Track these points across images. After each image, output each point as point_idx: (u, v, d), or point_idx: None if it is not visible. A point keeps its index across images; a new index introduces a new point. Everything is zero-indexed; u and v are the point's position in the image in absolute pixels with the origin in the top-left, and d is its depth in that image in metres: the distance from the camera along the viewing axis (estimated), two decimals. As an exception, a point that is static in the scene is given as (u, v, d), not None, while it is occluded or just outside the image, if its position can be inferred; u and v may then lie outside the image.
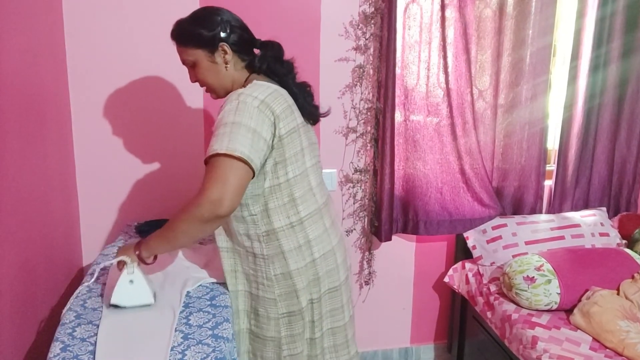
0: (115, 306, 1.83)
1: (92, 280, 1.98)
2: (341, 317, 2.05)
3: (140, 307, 1.84)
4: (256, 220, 1.84)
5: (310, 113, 1.97)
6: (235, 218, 1.87)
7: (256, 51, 1.94)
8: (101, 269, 2.11)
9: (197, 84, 1.95)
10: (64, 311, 1.83)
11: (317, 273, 1.92)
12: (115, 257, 1.84)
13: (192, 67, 1.88)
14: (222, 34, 1.84)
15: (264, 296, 1.89)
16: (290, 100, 1.86)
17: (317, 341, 1.98)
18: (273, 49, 1.93)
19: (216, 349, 1.65)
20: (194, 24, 1.85)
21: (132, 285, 1.82)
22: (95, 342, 1.65)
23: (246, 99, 1.71)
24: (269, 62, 1.90)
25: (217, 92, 1.93)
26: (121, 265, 1.82)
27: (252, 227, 1.86)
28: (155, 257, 1.85)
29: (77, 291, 1.95)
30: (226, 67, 1.87)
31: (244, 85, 1.84)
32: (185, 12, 2.61)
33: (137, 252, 1.80)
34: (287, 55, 1.97)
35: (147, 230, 2.57)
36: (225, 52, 1.85)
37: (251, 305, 1.95)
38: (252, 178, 1.72)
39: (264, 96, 1.74)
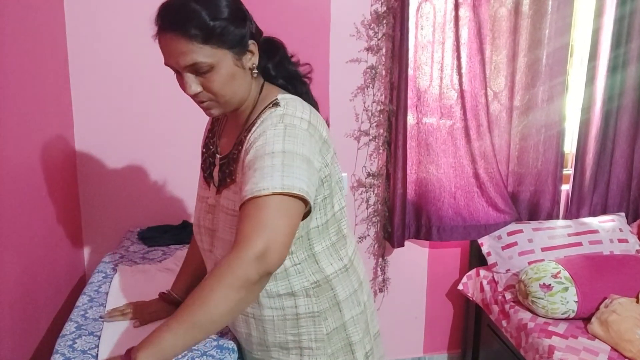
0: None
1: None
2: None
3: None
4: (301, 270, 1.51)
5: None
6: (284, 271, 1.51)
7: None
8: None
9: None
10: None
11: (367, 319, 1.66)
12: None
13: (202, 73, 1.38)
14: (251, 30, 1.45)
15: None
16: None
17: None
18: (279, 49, 1.58)
19: (221, 360, 1.66)
20: (217, 12, 1.36)
21: None
22: (97, 354, 1.64)
23: (293, 121, 1.39)
24: (286, 70, 1.58)
25: (229, 105, 1.47)
26: None
27: (296, 280, 1.51)
28: None
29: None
30: (252, 73, 1.47)
31: (258, 99, 1.52)
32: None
33: None
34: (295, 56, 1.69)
35: (150, 237, 2.60)
36: (253, 54, 1.46)
37: None
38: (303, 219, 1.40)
39: (308, 116, 1.44)
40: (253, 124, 1.45)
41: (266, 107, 1.47)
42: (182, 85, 1.42)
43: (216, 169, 1.57)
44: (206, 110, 1.47)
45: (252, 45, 1.44)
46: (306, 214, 1.41)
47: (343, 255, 1.59)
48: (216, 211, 1.53)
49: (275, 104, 1.46)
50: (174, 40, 1.35)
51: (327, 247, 1.55)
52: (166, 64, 1.42)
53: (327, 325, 1.55)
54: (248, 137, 1.43)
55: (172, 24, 1.35)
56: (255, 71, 1.47)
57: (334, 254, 1.56)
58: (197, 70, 1.37)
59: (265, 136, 1.35)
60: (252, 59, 1.45)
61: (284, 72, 1.57)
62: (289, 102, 1.46)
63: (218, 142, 1.63)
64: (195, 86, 1.39)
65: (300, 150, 1.33)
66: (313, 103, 1.59)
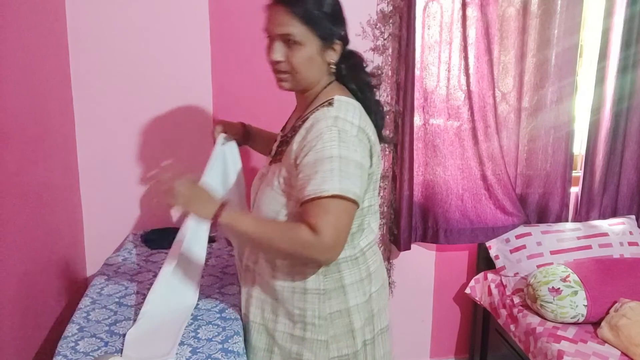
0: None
1: None
2: None
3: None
4: None
5: (380, 137, 1.82)
6: None
7: None
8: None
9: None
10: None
11: (372, 310, 1.83)
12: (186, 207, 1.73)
13: (289, 45, 1.66)
14: (342, 33, 1.73)
15: (313, 338, 1.75)
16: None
17: None
18: (355, 59, 1.82)
19: (226, 363, 1.68)
20: (321, 5, 1.66)
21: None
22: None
23: (345, 126, 1.63)
24: (356, 75, 1.80)
25: (298, 84, 1.74)
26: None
27: None
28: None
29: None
30: (329, 67, 1.74)
31: (321, 92, 1.76)
32: (191, 10, 2.66)
33: (217, 212, 1.65)
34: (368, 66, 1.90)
35: (153, 240, 2.62)
36: (335, 52, 1.73)
37: (291, 350, 1.78)
38: None
39: (358, 120, 1.67)
40: (307, 117, 1.71)
41: (322, 103, 1.71)
42: (269, 52, 1.70)
43: (275, 144, 1.88)
44: (279, 81, 1.75)
45: (337, 45, 1.72)
46: None
47: (355, 245, 1.78)
48: (263, 180, 1.84)
49: (330, 103, 1.69)
50: (280, 12, 1.65)
51: None
52: (266, 29, 1.70)
53: (330, 305, 1.75)
54: (300, 130, 1.70)
55: (288, 1, 1.65)
56: (333, 67, 1.74)
57: (348, 242, 1.71)
58: (287, 41, 1.66)
59: (323, 139, 1.60)
60: (332, 56, 1.72)
61: (356, 78, 1.80)
62: (342, 104, 1.69)
63: (287, 122, 1.94)
64: (279, 55, 1.68)
65: (353, 156, 1.60)
66: (378, 110, 1.83)
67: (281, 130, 1.94)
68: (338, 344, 1.77)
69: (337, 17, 1.71)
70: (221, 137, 2.06)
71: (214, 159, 2.03)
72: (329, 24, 1.67)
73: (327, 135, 1.60)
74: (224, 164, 2.07)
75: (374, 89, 1.84)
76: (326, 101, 1.70)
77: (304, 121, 1.71)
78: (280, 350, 1.80)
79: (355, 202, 1.59)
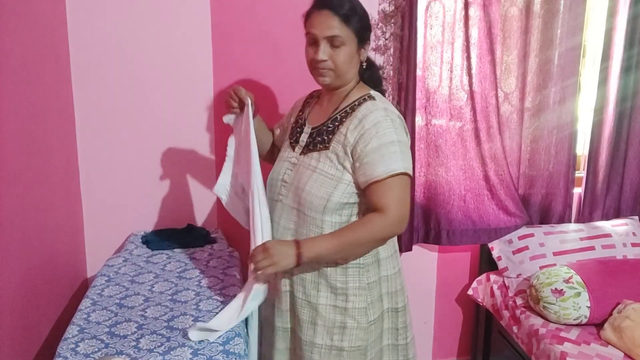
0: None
1: None
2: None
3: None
4: None
5: None
6: (339, 224, 1.95)
7: None
8: None
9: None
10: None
11: (402, 282, 2.11)
12: (264, 259, 1.82)
13: (334, 46, 1.88)
14: (371, 35, 2.00)
15: (355, 307, 1.97)
16: None
17: (401, 347, 2.12)
18: (370, 60, 2.06)
19: (228, 365, 1.69)
20: (359, 8, 1.93)
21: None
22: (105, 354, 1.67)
23: (393, 116, 1.92)
24: (375, 75, 2.07)
25: (340, 79, 1.95)
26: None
27: None
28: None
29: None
30: (362, 64, 2.00)
31: (353, 89, 2.00)
32: (191, 10, 2.67)
33: (297, 252, 1.83)
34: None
35: (154, 241, 2.63)
36: (365, 52, 1.98)
37: (335, 319, 1.98)
38: None
39: (398, 112, 1.97)
40: (352, 109, 1.95)
41: (362, 97, 1.97)
42: (313, 54, 1.91)
43: (304, 136, 2.05)
44: (321, 77, 1.94)
45: (367, 45, 1.98)
46: None
47: None
48: (299, 168, 2.00)
49: (371, 97, 1.97)
50: (326, 16, 1.86)
51: None
52: (310, 33, 1.91)
53: (368, 277, 1.98)
54: (346, 122, 1.93)
55: (329, 4, 1.86)
56: (364, 64, 2.00)
57: None
58: (333, 42, 1.87)
59: (382, 127, 1.86)
60: (365, 54, 1.98)
61: (373, 76, 2.07)
62: (381, 98, 2.00)
63: (307, 117, 2.11)
64: (324, 54, 1.88)
65: (405, 140, 1.91)
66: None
67: (301, 122, 2.12)
68: (374, 308, 1.99)
69: (367, 20, 1.95)
70: (249, 100, 2.07)
71: (248, 124, 2.07)
72: (365, 23, 1.93)
73: (384, 124, 1.87)
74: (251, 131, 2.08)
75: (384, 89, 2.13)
76: (363, 95, 1.98)
77: (346, 113, 1.95)
78: (323, 321, 1.98)
79: (411, 177, 1.90)
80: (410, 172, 1.89)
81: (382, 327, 2.05)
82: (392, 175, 1.83)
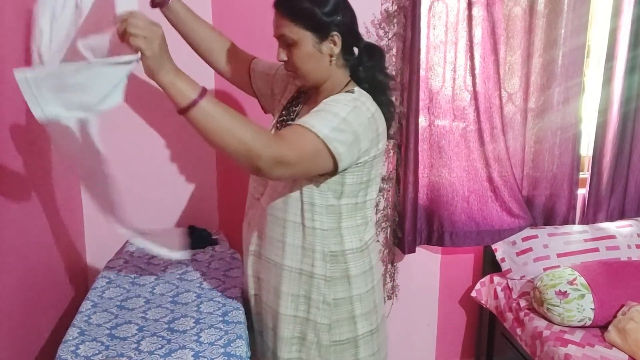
0: None
1: None
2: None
3: None
4: (326, 236, 1.83)
5: (388, 136, 1.91)
6: (312, 230, 1.82)
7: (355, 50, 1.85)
8: None
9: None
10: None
11: (375, 300, 1.94)
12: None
13: (288, 46, 1.76)
14: (339, 23, 1.73)
15: (316, 321, 1.87)
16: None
17: None
18: (375, 57, 1.85)
19: (229, 368, 1.69)
20: (320, 2, 1.70)
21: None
22: None
23: (361, 107, 1.72)
24: (373, 76, 1.84)
25: (306, 81, 1.82)
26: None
27: (319, 243, 1.83)
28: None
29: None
30: (331, 60, 1.77)
31: (340, 91, 1.81)
32: (193, 9, 2.67)
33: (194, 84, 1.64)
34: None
35: (155, 241, 2.61)
36: (335, 44, 1.75)
37: (294, 329, 1.90)
38: (328, 177, 1.75)
39: (374, 111, 1.76)
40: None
41: (342, 91, 1.79)
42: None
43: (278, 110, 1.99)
44: (293, 79, 1.90)
45: (336, 37, 1.74)
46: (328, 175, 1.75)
47: (361, 237, 1.88)
48: None
49: (351, 91, 1.77)
50: (276, 15, 1.75)
51: (352, 226, 1.85)
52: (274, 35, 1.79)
53: (335, 292, 1.85)
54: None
55: (276, 3, 1.75)
56: (333, 59, 1.77)
57: (355, 234, 1.86)
58: (285, 42, 1.76)
59: (337, 100, 1.71)
60: (332, 48, 1.76)
61: (371, 78, 1.84)
62: (363, 94, 1.78)
63: (300, 109, 1.96)
64: (282, 55, 1.79)
65: (356, 127, 1.67)
66: (387, 111, 1.87)
67: (293, 117, 1.97)
68: (339, 329, 1.88)
69: (329, 7, 1.71)
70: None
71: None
72: (321, 16, 1.70)
73: (342, 102, 1.71)
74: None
75: (389, 90, 1.89)
76: (347, 90, 1.79)
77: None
78: (282, 331, 1.89)
79: (333, 158, 1.65)
80: (332, 148, 1.62)
81: (356, 352, 1.91)
82: (305, 128, 1.61)
